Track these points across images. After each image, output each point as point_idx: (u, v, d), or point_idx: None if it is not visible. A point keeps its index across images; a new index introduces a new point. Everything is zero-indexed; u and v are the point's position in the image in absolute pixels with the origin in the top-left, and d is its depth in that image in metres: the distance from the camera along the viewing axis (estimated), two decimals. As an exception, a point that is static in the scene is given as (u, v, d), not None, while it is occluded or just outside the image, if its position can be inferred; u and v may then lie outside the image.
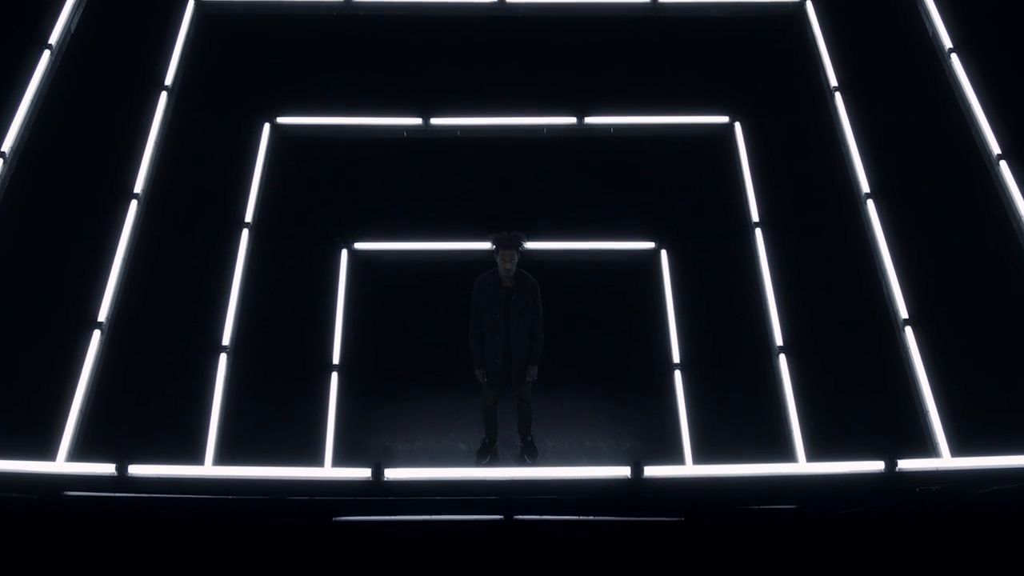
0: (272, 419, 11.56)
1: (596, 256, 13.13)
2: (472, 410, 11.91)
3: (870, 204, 12.28)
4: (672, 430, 11.73)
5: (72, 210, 12.12)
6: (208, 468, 10.57)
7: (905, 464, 10.16)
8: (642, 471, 10.04)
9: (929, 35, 13.56)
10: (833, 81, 13.25)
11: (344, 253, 12.93)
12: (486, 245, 11.09)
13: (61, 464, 10.32)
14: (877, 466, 10.15)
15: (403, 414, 12.06)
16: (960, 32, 13.38)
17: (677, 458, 11.45)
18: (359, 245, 13.04)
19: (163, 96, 12.91)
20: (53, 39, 12.90)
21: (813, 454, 10.87)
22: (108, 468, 10.02)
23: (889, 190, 12.38)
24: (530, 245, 12.23)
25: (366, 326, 12.56)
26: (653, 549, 10.17)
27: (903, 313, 11.53)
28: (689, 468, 10.77)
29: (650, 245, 13.08)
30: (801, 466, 10.61)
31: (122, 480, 10.02)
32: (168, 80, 13.06)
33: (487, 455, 11.74)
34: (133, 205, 12.08)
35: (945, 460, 10.49)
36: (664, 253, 12.97)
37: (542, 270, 11.39)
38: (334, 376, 12.02)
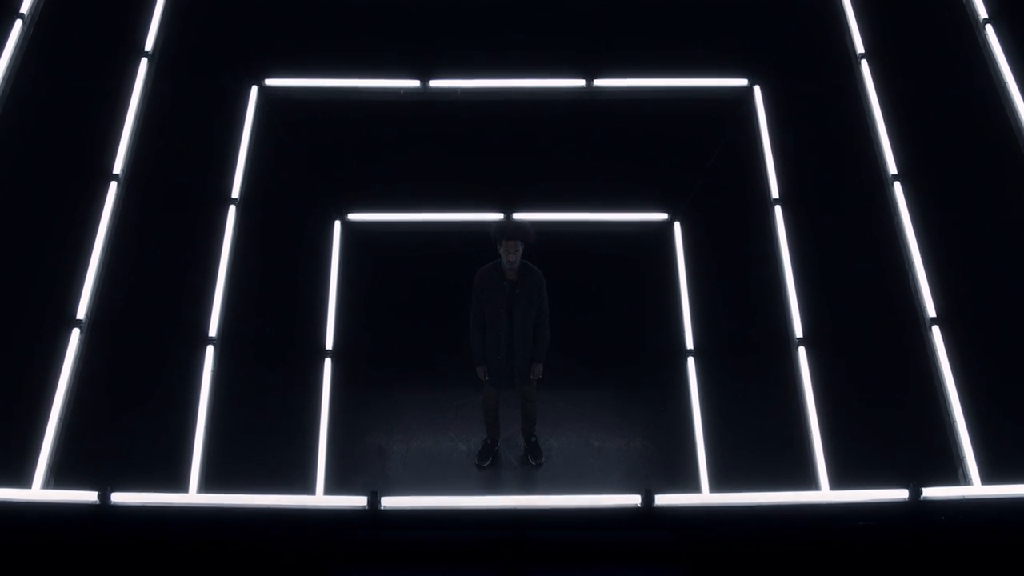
0: (262, 419, 11.08)
1: (605, 228, 12.50)
2: (473, 408, 11.42)
3: (897, 187, 11.64)
4: (685, 427, 11.16)
5: (47, 193, 11.55)
6: (195, 496, 10.08)
7: (931, 492, 9.76)
8: (653, 500, 9.69)
9: (963, 2, 12.80)
10: (860, 47, 12.54)
11: (337, 225, 12.30)
12: (489, 216, 10.77)
13: (38, 492, 9.85)
14: (900, 494, 9.78)
15: (399, 411, 11.57)
16: (996, 1, 12.61)
17: (690, 462, 10.90)
18: (353, 216, 12.39)
19: (143, 63, 12.18)
20: (24, 7, 12.20)
21: (833, 467, 10.35)
22: (90, 496, 9.65)
23: (918, 172, 11.74)
24: (535, 216, 11.99)
25: (360, 308, 12.01)
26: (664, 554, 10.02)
27: (930, 311, 10.94)
28: (703, 497, 10.25)
29: (663, 216, 12.44)
30: (822, 494, 10.14)
31: (105, 509, 9.66)
32: (148, 46, 12.33)
33: (488, 457, 11.31)
34: (113, 187, 11.44)
35: (975, 488, 9.97)
36: (678, 225, 12.34)
37: (546, 244, 10.83)
38: (327, 365, 11.45)
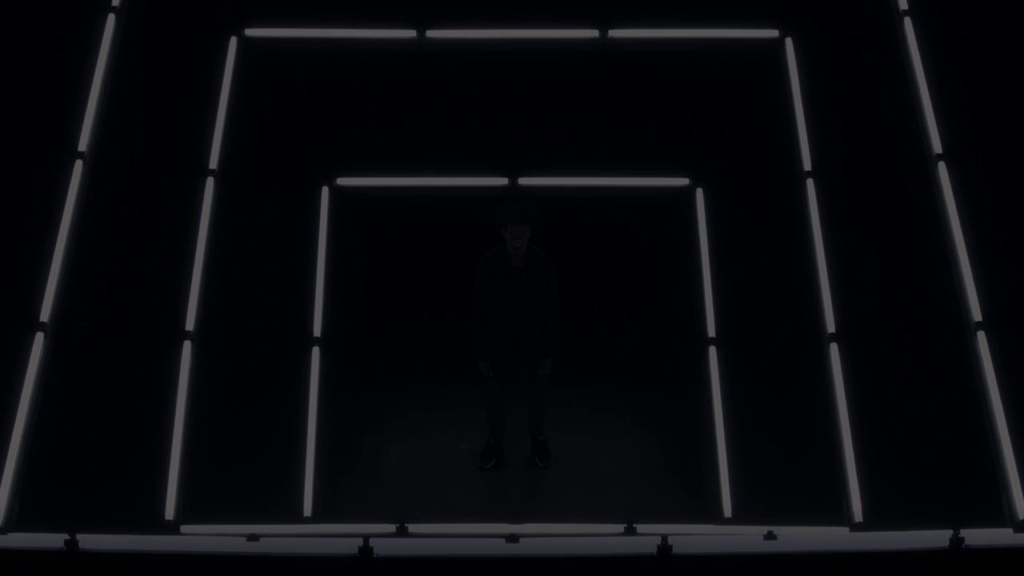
0: (244, 419, 10.48)
1: (619, 194, 11.71)
2: (476, 404, 10.67)
3: (942, 167, 10.83)
4: (706, 427, 10.51)
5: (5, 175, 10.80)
6: (171, 539, 9.47)
7: (974, 539, 9.00)
8: (670, 548, 9.01)
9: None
10: (903, 2, 11.65)
11: (325, 191, 11.49)
12: (493, 180, 10.49)
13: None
14: (940, 540, 9.01)
15: (395, 407, 10.84)
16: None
17: (711, 470, 10.28)
18: (343, 181, 11.60)
19: (110, 20, 11.33)
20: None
21: (868, 494, 9.79)
22: (56, 540, 8.92)
23: (965, 151, 10.95)
24: (542, 181, 11.41)
25: (351, 288, 11.28)
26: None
27: (976, 315, 10.17)
28: (723, 544, 9.60)
29: (684, 181, 11.63)
30: (856, 539, 9.55)
31: (73, 554, 8.96)
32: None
33: (492, 458, 10.69)
34: (79, 167, 10.70)
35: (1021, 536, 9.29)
36: (700, 192, 11.52)
37: (554, 214, 10.05)
38: (315, 355, 10.75)
